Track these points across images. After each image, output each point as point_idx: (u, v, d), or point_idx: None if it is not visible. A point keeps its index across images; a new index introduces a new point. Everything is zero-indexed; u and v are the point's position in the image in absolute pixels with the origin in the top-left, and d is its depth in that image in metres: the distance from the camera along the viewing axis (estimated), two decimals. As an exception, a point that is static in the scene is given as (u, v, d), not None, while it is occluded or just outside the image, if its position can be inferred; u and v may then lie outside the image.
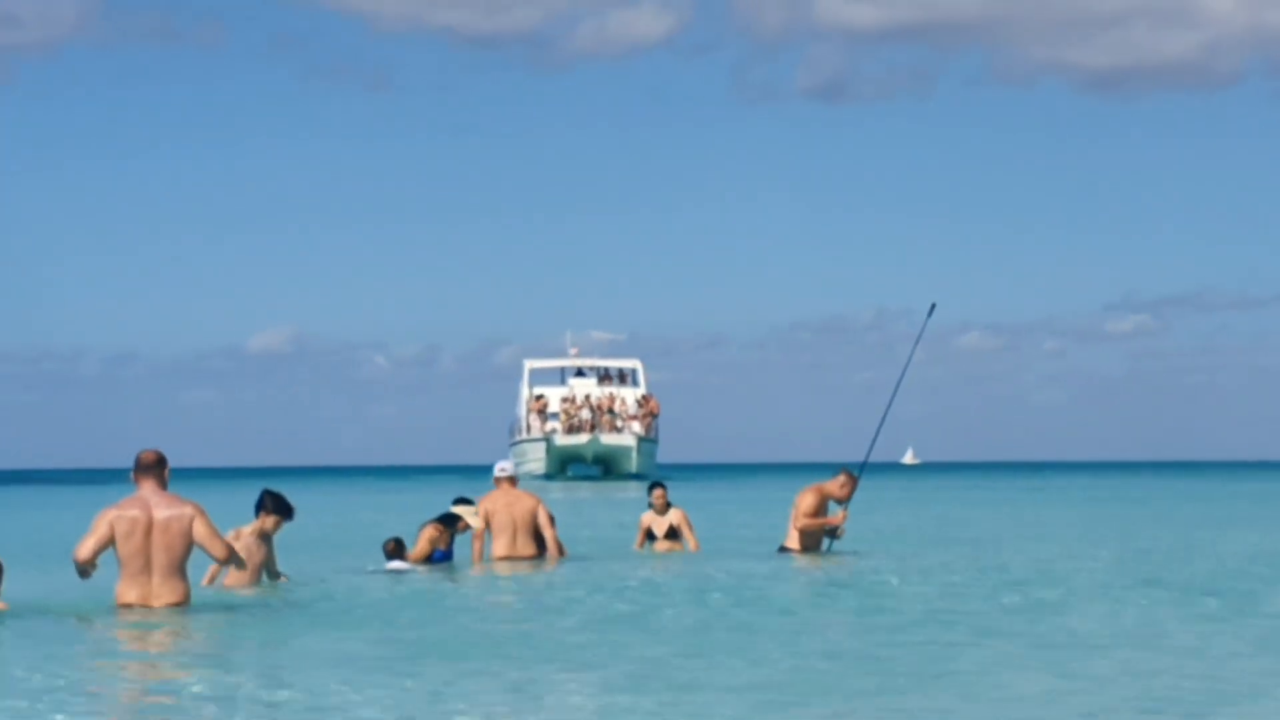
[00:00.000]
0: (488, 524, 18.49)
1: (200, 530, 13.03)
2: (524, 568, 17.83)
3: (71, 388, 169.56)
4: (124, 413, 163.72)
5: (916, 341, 21.12)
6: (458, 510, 18.55)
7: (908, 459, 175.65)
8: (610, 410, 79.95)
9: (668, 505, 20.82)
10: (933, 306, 21.04)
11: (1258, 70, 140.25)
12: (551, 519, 18.76)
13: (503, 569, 17.69)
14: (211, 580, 15.37)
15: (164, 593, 13.03)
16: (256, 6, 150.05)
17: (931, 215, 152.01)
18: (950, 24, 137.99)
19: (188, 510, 13.06)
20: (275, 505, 15.48)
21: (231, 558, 13.44)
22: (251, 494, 15.90)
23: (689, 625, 12.52)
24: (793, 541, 19.57)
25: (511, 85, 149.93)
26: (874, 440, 20.47)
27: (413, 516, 21.28)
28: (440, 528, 18.33)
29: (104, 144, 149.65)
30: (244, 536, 15.31)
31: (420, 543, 18.20)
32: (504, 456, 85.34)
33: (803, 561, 18.69)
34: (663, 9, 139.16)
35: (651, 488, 21.08)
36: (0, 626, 12.46)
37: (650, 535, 20.68)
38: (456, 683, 9.62)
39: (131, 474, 13.20)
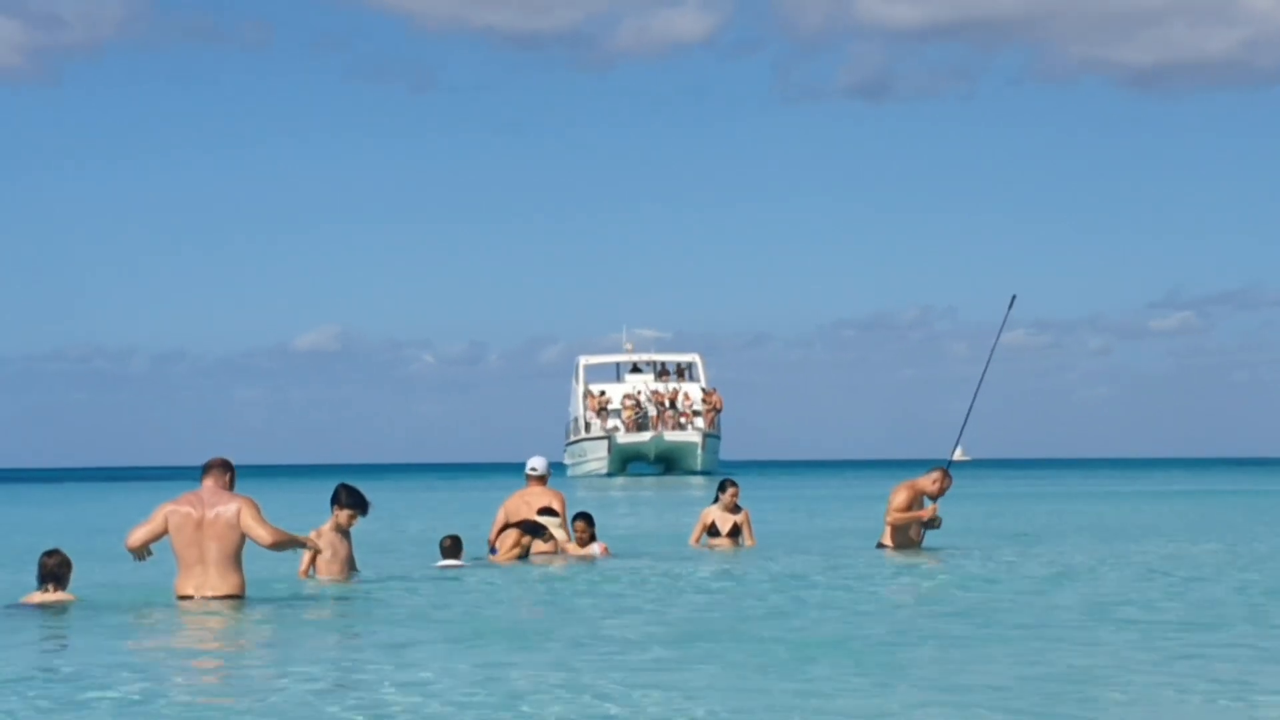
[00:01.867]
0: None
1: (246, 519, 13.64)
2: (553, 560, 18.34)
3: (120, 386, 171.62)
4: (172, 411, 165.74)
5: (999, 333, 21.50)
6: (543, 521, 18.82)
7: (957, 455, 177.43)
8: (673, 405, 79.63)
9: (736, 504, 21.15)
10: (1013, 299, 21.42)
11: None
12: (564, 505, 19.16)
13: (543, 562, 18.19)
14: (306, 572, 16.03)
15: (219, 584, 13.66)
16: (301, 7, 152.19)
17: (974, 214, 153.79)
18: (990, 22, 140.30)
19: (235, 503, 13.72)
20: (349, 499, 15.93)
21: (279, 544, 13.84)
22: (298, 492, 16.54)
23: (794, 626, 12.62)
24: (887, 538, 19.82)
25: (554, 84, 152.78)
26: (959, 436, 20.88)
27: (458, 514, 21.70)
28: (523, 535, 18.64)
29: (151, 144, 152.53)
30: (325, 534, 15.92)
31: (506, 545, 18.51)
32: (559, 454, 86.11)
33: (899, 558, 18.94)
34: (704, 8, 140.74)
35: (724, 485, 21.39)
36: (69, 616, 13.14)
37: (712, 531, 20.98)
38: (502, 671, 10.03)
39: (201, 476, 14.03)
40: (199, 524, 13.67)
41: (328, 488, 17.24)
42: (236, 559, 13.75)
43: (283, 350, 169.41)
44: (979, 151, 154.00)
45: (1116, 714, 8.73)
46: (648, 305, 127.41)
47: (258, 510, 13.78)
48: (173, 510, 13.78)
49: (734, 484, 21.39)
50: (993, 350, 21.22)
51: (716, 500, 21.17)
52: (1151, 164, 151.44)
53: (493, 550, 18.76)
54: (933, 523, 19.82)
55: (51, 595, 13.73)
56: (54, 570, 13.80)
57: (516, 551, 18.56)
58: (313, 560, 16.03)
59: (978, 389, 21.14)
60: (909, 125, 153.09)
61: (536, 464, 19.30)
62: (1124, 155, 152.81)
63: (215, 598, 13.64)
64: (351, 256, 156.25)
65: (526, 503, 19.09)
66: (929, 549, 19.79)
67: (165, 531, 13.76)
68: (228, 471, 14.06)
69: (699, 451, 77.22)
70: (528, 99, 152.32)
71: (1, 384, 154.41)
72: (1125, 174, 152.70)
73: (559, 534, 18.84)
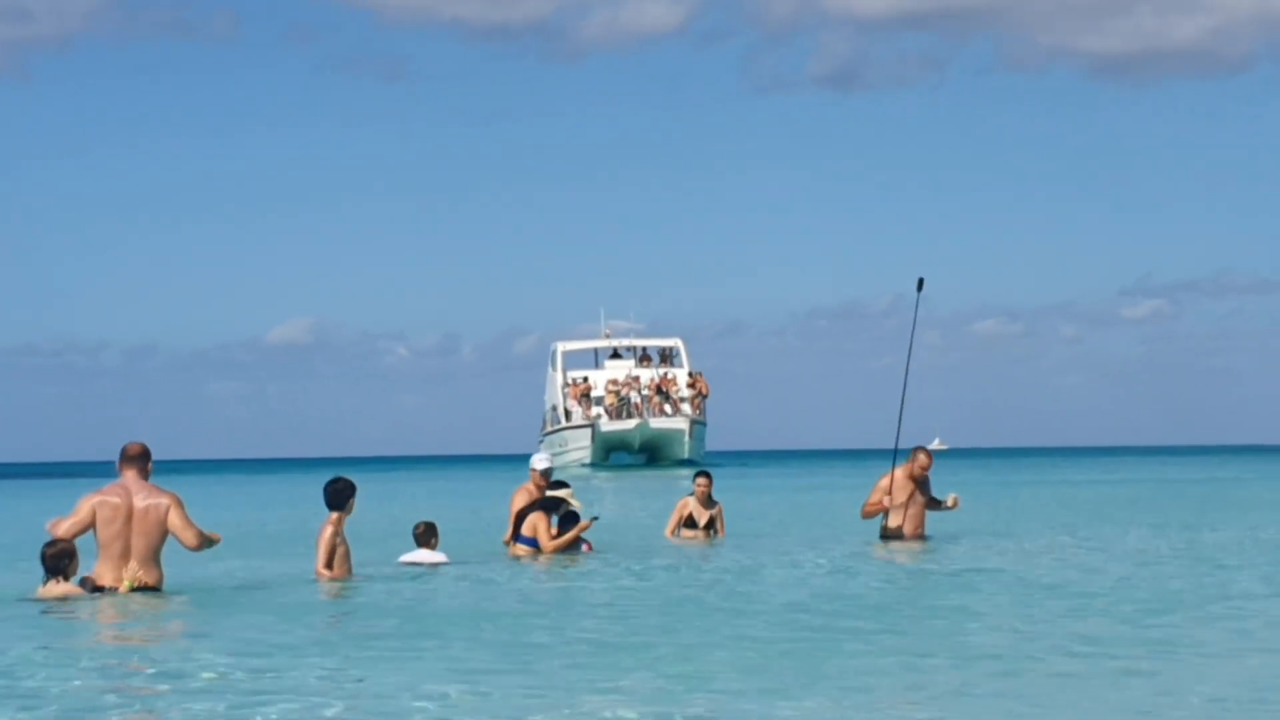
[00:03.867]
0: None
1: (174, 519, 14.26)
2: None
3: (93, 380, 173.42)
4: (146, 405, 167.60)
5: (914, 320, 21.87)
6: (559, 495, 19.03)
7: (935, 445, 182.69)
8: (661, 391, 78.15)
9: (710, 497, 21.44)
10: (920, 281, 21.86)
11: (1267, 55, 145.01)
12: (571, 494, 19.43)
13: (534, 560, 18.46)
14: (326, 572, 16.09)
15: (140, 576, 14.23)
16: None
17: (945, 202, 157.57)
18: (959, 11, 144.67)
19: (165, 500, 14.29)
20: (325, 499, 16.16)
21: (200, 546, 14.43)
22: (273, 486, 16.81)
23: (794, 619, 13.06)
24: (898, 524, 20.21)
25: (525, 75, 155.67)
26: (899, 425, 21.32)
27: (436, 506, 21.95)
28: (545, 515, 18.91)
29: (121, 137, 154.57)
30: (326, 537, 16.07)
31: (537, 527, 18.75)
32: (533, 446, 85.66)
33: (913, 545, 19.59)
34: None
35: (697, 475, 21.83)
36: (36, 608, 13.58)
37: (689, 523, 21.33)
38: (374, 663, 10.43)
39: (117, 464, 14.47)
40: (129, 516, 14.23)
41: (302, 481, 17.54)
42: (159, 553, 14.39)
43: (256, 343, 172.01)
44: (949, 141, 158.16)
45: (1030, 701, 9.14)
46: (622, 296, 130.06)
47: (185, 509, 14.38)
48: (101, 502, 14.27)
49: (705, 475, 21.75)
50: (912, 335, 21.65)
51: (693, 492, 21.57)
52: (1120, 152, 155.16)
53: (520, 539, 18.90)
54: (939, 505, 20.39)
55: (59, 588, 14.16)
56: (54, 561, 14.23)
57: (562, 541, 18.78)
58: (329, 561, 16.09)
59: (905, 378, 21.55)
60: (879, 115, 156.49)
61: (541, 460, 19.55)
62: (1093, 144, 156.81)
63: (137, 589, 14.18)
64: (324, 249, 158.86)
65: (530, 491, 19.36)
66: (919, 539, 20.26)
67: (92, 524, 14.26)
68: (148, 461, 14.51)
69: (686, 439, 75.99)
70: (499, 90, 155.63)
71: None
72: (1094, 162, 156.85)
73: (575, 502, 19.10)
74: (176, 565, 15.20)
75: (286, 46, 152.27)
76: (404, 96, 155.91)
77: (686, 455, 74.68)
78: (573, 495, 19.19)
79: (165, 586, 14.42)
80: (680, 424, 76.45)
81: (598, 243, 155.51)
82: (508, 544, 19.34)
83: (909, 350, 21.27)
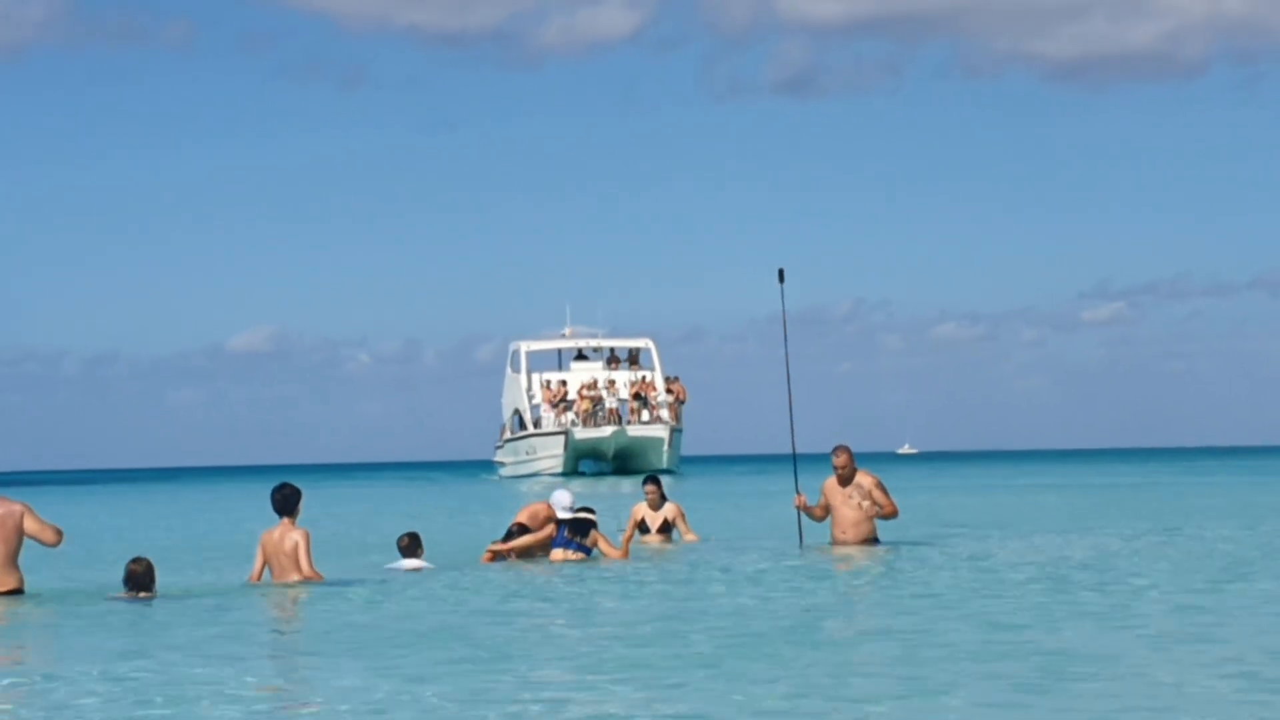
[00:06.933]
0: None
1: (30, 524, 16.05)
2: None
3: (53, 389, 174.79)
4: (106, 413, 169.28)
5: (784, 312, 22.88)
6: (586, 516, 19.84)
7: (905, 449, 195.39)
8: (639, 397, 75.74)
9: (662, 499, 22.55)
10: (781, 272, 22.95)
11: (1221, 59, 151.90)
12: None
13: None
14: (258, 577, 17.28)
15: (3, 581, 15.92)
16: (223, 6, 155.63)
17: (904, 206, 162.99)
18: (914, 16, 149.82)
19: (17, 508, 16.09)
20: (274, 506, 17.19)
21: (59, 542, 16.21)
22: (235, 493, 17.86)
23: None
24: (834, 527, 20.70)
25: (481, 82, 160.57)
26: (791, 428, 22.29)
27: (412, 515, 22.67)
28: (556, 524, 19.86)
29: (77, 145, 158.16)
30: (295, 547, 17.05)
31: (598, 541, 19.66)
32: (491, 451, 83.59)
33: (852, 551, 20.16)
34: (628, 6, 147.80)
35: (645, 481, 22.85)
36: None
37: (643, 529, 22.32)
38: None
39: None
40: None
41: (264, 489, 18.47)
42: (16, 557, 16.09)
43: (217, 351, 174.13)
44: (906, 145, 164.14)
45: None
46: (581, 301, 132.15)
47: (35, 514, 16.13)
48: None
49: (654, 480, 22.79)
50: (785, 331, 22.63)
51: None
52: (1077, 156, 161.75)
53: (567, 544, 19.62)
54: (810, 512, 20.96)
55: (137, 596, 16.04)
56: (139, 576, 16.22)
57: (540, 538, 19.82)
58: (263, 567, 17.22)
59: (788, 379, 22.52)
60: (836, 120, 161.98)
61: (566, 500, 20.11)
62: (1050, 147, 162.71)
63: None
64: (284, 255, 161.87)
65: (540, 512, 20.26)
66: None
67: None
68: None
69: (665, 448, 73.20)
70: (456, 97, 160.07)
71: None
72: (1052, 166, 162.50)
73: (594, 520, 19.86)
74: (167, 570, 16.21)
75: (241, 53, 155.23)
76: (361, 103, 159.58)
77: (665, 464, 72.20)
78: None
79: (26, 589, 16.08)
80: (659, 431, 74.02)
81: (557, 248, 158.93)
82: (504, 554, 19.92)
83: (784, 343, 22.55)
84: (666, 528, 22.44)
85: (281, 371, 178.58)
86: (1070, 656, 11.18)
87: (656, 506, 22.50)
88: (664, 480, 24.06)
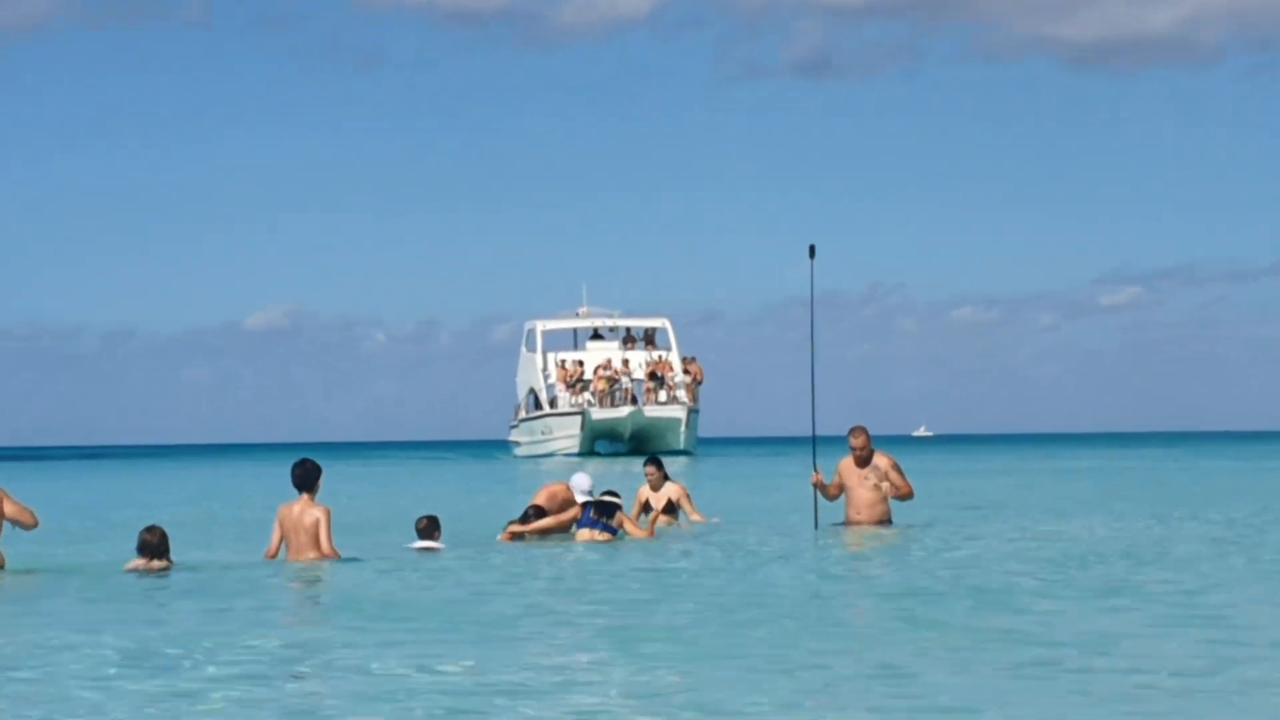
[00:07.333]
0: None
1: (9, 507, 16.40)
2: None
3: (69, 365, 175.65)
4: (122, 390, 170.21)
5: (811, 289, 22.82)
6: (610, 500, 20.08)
7: (920, 432, 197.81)
8: (655, 377, 75.57)
9: (664, 479, 22.64)
10: (812, 248, 22.96)
11: (1239, 45, 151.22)
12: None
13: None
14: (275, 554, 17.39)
15: None
16: None
17: (921, 190, 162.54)
18: (932, 0, 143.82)
19: None
20: (294, 481, 17.27)
21: (37, 524, 16.62)
22: (250, 471, 18.01)
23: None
24: (849, 508, 21.01)
25: (498, 63, 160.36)
26: (813, 405, 22.37)
27: (426, 494, 22.87)
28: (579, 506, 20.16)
29: (94, 123, 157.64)
30: (312, 523, 17.17)
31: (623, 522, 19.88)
32: (505, 431, 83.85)
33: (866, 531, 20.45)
34: None
35: (646, 463, 22.99)
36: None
37: (647, 510, 22.41)
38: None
39: None
40: None
41: (278, 468, 18.62)
42: None
43: (233, 329, 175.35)
44: (923, 129, 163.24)
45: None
46: (596, 283, 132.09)
47: (13, 498, 16.43)
48: None
49: (653, 462, 22.92)
50: (811, 308, 22.68)
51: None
52: (1096, 141, 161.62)
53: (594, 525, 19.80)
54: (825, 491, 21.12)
55: (150, 564, 16.46)
56: (153, 545, 16.57)
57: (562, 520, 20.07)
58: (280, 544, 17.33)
59: (812, 359, 22.63)
60: (853, 103, 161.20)
61: (586, 484, 20.59)
62: (1069, 132, 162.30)
63: None
64: (302, 235, 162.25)
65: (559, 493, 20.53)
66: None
67: None
68: None
69: (682, 429, 72.93)
70: (473, 78, 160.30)
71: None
72: (1070, 151, 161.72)
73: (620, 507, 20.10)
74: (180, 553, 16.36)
75: (260, 33, 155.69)
76: (380, 84, 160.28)
77: (682, 445, 72.13)
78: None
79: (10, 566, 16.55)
80: (677, 412, 73.68)
81: (573, 229, 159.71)
82: (523, 535, 20.08)
83: (810, 320, 22.45)
84: (671, 508, 22.53)
85: (297, 350, 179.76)
86: (1080, 641, 11.25)
87: (657, 487, 22.60)
88: (681, 461, 24.16)
